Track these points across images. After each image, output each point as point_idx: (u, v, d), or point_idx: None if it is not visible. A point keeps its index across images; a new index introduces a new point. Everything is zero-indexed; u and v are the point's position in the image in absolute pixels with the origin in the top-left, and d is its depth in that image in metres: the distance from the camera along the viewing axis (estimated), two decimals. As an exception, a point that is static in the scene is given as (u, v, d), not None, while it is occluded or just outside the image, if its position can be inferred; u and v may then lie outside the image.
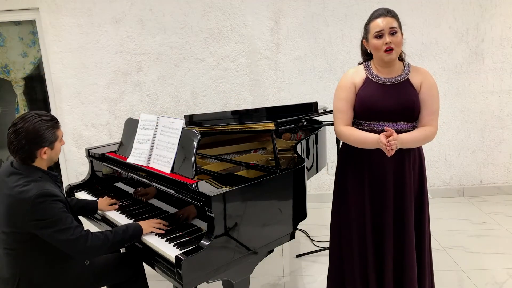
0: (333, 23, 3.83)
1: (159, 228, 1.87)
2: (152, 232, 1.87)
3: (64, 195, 1.77)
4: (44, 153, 1.70)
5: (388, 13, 1.83)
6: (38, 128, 1.67)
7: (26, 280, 1.68)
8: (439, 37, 3.83)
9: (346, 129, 1.92)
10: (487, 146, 4.04)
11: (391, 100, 1.84)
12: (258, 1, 3.79)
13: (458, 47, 3.85)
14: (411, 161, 1.92)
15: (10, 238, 1.66)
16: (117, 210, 2.19)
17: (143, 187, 2.16)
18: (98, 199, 2.25)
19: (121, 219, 2.07)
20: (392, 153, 1.74)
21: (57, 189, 1.73)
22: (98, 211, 2.21)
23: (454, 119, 4.00)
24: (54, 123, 1.75)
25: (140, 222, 1.86)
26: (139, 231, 1.82)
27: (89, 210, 2.19)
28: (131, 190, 2.28)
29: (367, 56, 1.99)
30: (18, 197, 1.59)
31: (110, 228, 1.89)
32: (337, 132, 1.98)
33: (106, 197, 2.28)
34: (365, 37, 1.91)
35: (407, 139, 1.81)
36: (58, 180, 1.82)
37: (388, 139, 1.72)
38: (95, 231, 1.77)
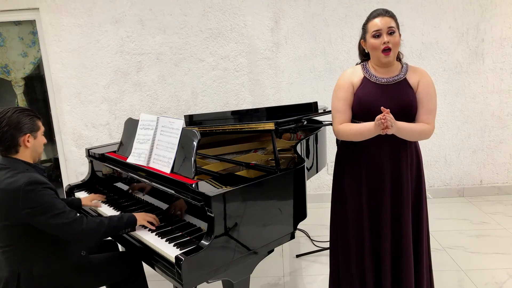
0: (333, 23, 3.83)
1: (151, 223, 1.91)
2: (151, 232, 1.87)
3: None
4: (28, 141, 1.71)
5: (386, 13, 1.83)
6: (19, 116, 1.70)
7: (26, 275, 1.68)
8: (439, 37, 3.83)
9: (343, 126, 1.92)
10: (487, 146, 4.04)
11: (388, 100, 1.83)
12: (258, 1, 3.79)
13: (458, 47, 3.85)
14: (409, 160, 1.92)
15: (4, 234, 1.67)
16: (118, 210, 2.19)
17: (138, 185, 2.16)
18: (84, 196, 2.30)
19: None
20: (388, 131, 1.73)
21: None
22: (83, 207, 2.27)
23: (454, 119, 4.00)
24: (34, 114, 1.77)
25: (134, 213, 1.90)
26: (133, 221, 1.86)
27: (75, 206, 2.21)
28: (131, 190, 2.28)
29: (364, 56, 1.99)
30: (8, 188, 1.61)
31: None
32: (335, 131, 1.97)
33: (92, 194, 2.33)
34: (363, 37, 1.91)
35: (404, 127, 1.80)
36: (44, 174, 1.81)
37: (384, 115, 1.71)
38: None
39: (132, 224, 1.87)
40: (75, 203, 2.22)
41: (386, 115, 1.70)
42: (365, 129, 1.84)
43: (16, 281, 1.67)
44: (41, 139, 1.80)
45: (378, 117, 1.73)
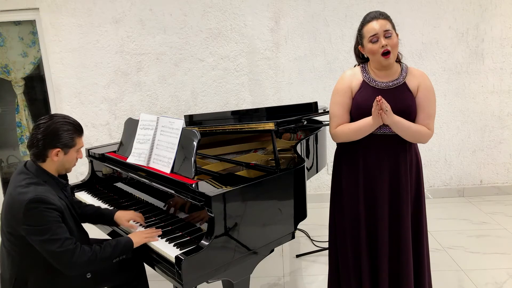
0: (333, 23, 3.83)
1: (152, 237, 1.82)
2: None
3: (68, 203, 1.75)
4: (56, 155, 1.68)
5: (380, 15, 1.80)
6: (58, 127, 1.67)
7: (21, 283, 1.67)
8: (439, 37, 3.83)
9: (341, 127, 1.91)
10: (487, 146, 4.04)
11: None
12: (258, 1, 3.79)
13: (458, 47, 3.85)
14: (408, 162, 1.90)
15: (9, 238, 1.67)
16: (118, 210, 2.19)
17: (138, 185, 2.16)
18: (117, 210, 2.05)
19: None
20: (384, 117, 1.73)
21: (59, 195, 1.70)
22: (118, 226, 2.05)
23: (454, 119, 4.00)
24: (77, 129, 1.73)
25: (131, 235, 1.80)
26: (129, 246, 1.74)
27: (106, 220, 2.03)
28: (131, 190, 2.28)
29: (362, 59, 1.96)
30: (15, 198, 1.60)
31: (109, 228, 1.86)
32: (332, 134, 1.96)
33: (132, 212, 2.04)
34: (360, 42, 1.88)
35: (400, 120, 1.78)
36: (65, 188, 1.79)
37: (379, 100, 1.71)
38: (91, 233, 1.75)
39: (128, 250, 1.75)
40: (106, 216, 2.01)
41: (382, 102, 1.71)
42: (363, 124, 1.83)
43: (12, 286, 1.67)
44: (74, 155, 1.75)
45: (374, 103, 1.73)
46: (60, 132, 1.67)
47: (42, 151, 1.67)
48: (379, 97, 1.72)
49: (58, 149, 1.68)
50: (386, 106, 1.73)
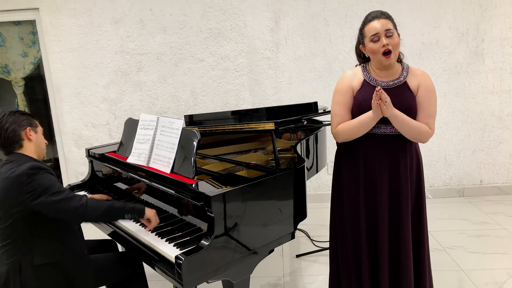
0: (333, 23, 3.83)
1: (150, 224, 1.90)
2: (151, 232, 1.87)
3: None
4: (30, 134, 1.79)
5: (382, 15, 1.80)
6: (15, 114, 1.81)
7: (27, 265, 1.68)
8: (439, 37, 3.83)
9: (342, 125, 1.91)
10: (487, 146, 4.04)
11: None
12: (258, 1, 3.79)
13: (458, 47, 3.85)
14: (408, 162, 1.90)
15: (5, 226, 1.67)
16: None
17: (138, 185, 2.15)
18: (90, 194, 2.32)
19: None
20: (383, 108, 1.73)
21: None
22: None
23: (454, 119, 4.00)
24: (30, 114, 1.87)
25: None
26: (141, 209, 1.86)
27: None
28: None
29: (363, 59, 1.95)
30: (13, 176, 1.65)
31: (109, 228, 1.87)
32: (334, 133, 1.96)
33: (100, 194, 2.31)
34: (362, 42, 1.88)
35: (400, 115, 1.78)
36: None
37: (379, 90, 1.71)
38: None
39: (139, 212, 1.85)
40: None
41: (382, 93, 1.71)
42: (364, 118, 1.82)
43: (18, 272, 1.67)
44: (41, 135, 1.87)
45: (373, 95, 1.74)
46: (20, 117, 1.80)
47: (15, 137, 1.76)
48: (379, 87, 1.72)
49: (28, 128, 1.79)
50: (386, 97, 1.72)
